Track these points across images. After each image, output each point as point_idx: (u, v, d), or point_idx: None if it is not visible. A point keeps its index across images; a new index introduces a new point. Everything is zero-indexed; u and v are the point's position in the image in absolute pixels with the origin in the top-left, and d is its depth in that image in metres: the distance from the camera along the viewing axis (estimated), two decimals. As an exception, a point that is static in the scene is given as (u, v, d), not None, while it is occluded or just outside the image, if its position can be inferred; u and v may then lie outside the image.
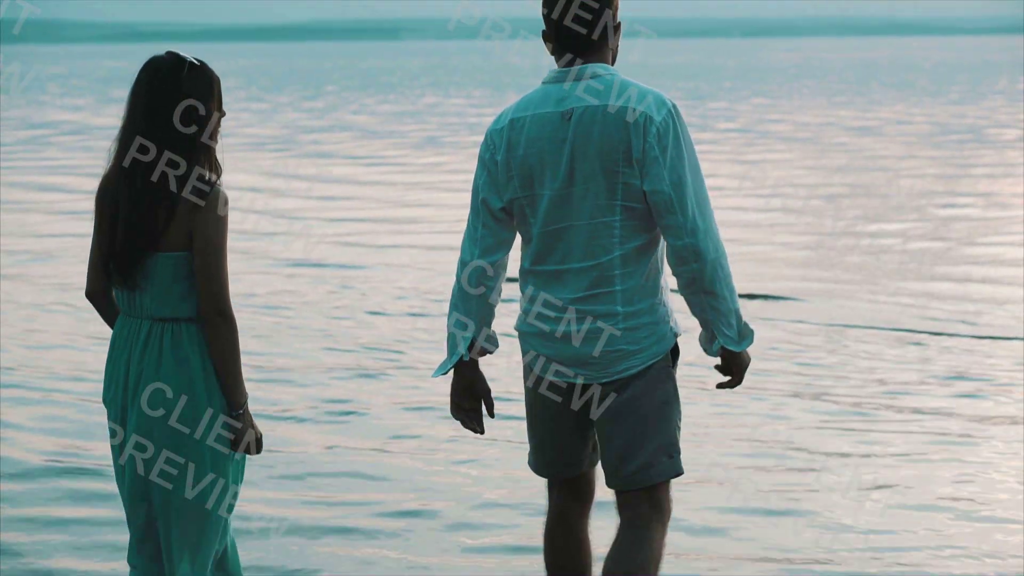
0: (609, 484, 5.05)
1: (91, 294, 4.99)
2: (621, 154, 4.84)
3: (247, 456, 4.92)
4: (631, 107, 4.85)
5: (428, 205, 22.89)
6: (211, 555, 4.93)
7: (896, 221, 20.48)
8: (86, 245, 5.13)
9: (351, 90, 71.87)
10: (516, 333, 5.09)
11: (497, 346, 5.11)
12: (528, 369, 5.10)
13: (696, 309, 4.94)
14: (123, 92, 5.89)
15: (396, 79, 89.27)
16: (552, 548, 5.23)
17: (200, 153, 4.82)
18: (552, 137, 4.89)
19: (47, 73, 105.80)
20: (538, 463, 5.21)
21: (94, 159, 30.06)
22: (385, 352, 11.58)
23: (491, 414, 5.10)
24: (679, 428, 5.04)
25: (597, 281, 4.91)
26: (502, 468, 8.21)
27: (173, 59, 4.84)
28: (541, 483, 5.40)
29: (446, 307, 5.50)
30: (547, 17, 4.99)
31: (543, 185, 4.92)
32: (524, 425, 5.23)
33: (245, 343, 4.97)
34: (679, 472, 5.02)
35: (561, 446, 5.12)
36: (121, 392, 4.86)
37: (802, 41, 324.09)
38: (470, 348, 5.06)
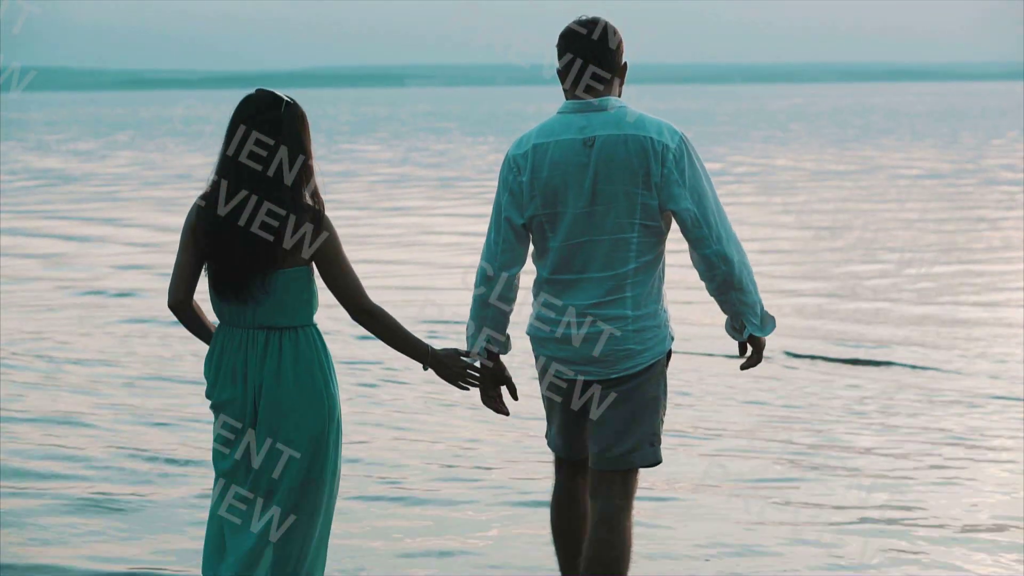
0: (594, 464, 5.63)
1: (176, 305, 5.43)
2: (641, 178, 5.45)
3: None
4: (648, 136, 5.46)
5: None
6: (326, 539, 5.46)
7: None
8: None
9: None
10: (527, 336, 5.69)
11: (510, 349, 5.72)
12: (544, 368, 5.68)
13: (726, 306, 5.57)
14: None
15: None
16: (558, 517, 5.83)
17: (302, 183, 5.30)
18: (575, 161, 5.48)
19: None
20: (553, 443, 5.81)
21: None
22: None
23: (514, 397, 5.69)
24: (663, 422, 5.65)
25: (612, 289, 5.50)
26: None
27: (270, 97, 5.32)
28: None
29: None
30: (576, 56, 5.58)
31: (566, 204, 5.51)
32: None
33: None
34: (659, 460, 5.64)
35: (569, 433, 5.74)
36: (242, 393, 5.34)
37: (801, 87, 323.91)
38: (486, 349, 5.68)
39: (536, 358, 5.69)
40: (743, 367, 5.73)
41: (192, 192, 33.50)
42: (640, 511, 6.41)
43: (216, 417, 5.40)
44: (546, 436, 5.87)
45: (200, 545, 5.78)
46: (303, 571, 5.35)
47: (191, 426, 10.03)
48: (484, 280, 5.64)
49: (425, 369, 5.51)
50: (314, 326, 5.41)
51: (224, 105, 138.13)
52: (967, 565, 7.04)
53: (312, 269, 5.36)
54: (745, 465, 9.06)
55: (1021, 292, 17.26)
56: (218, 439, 5.38)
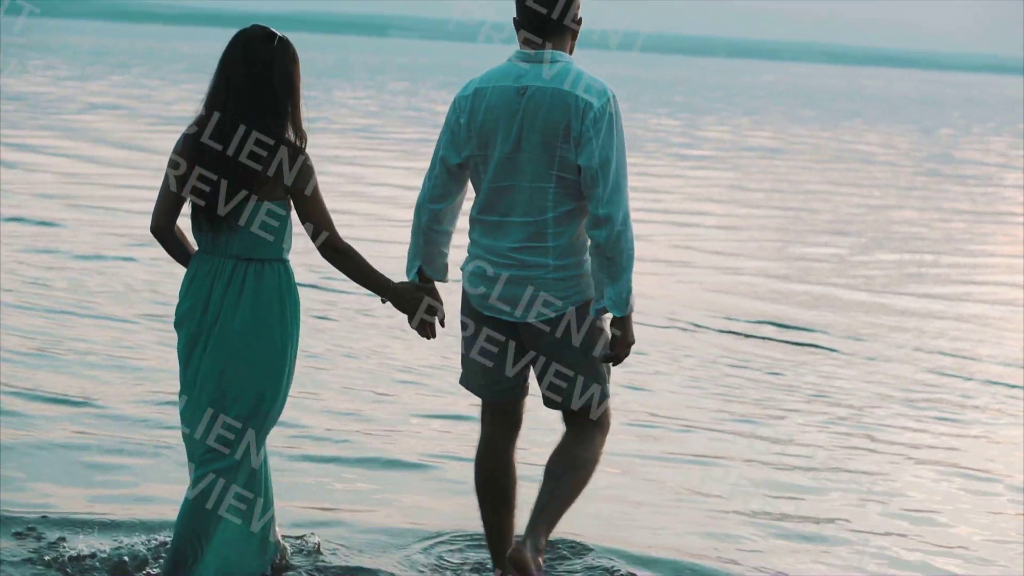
0: (556, 407, 5.92)
1: (158, 230, 5.70)
2: (561, 131, 5.67)
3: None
4: (577, 93, 5.68)
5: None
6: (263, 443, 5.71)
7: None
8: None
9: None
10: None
11: (444, 278, 5.97)
12: (467, 302, 5.91)
13: (594, 271, 5.75)
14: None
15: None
16: (483, 472, 6.00)
17: (287, 118, 5.55)
18: (507, 108, 5.72)
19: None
20: (472, 385, 5.99)
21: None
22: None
23: (442, 324, 5.89)
24: (603, 360, 5.83)
25: (533, 235, 5.74)
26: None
27: (264, 33, 5.56)
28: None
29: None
30: (518, 2, 5.83)
31: (495, 148, 5.75)
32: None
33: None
34: (608, 395, 5.89)
35: (495, 372, 5.92)
36: (199, 317, 5.60)
37: (785, 65, 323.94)
38: (419, 273, 5.94)
39: (464, 292, 5.91)
40: (604, 359, 5.82)
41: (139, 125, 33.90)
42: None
43: (178, 335, 5.67)
44: (461, 379, 6.04)
45: None
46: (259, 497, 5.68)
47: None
48: (416, 212, 5.93)
49: (383, 302, 5.79)
50: (284, 263, 5.64)
51: (202, 42, 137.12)
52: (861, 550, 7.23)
53: (289, 206, 5.57)
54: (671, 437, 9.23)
55: (972, 286, 17.39)
56: (178, 355, 5.67)
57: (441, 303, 5.90)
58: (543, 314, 5.78)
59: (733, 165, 34.52)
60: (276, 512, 5.91)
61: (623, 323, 5.75)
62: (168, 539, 5.93)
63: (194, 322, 5.62)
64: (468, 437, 8.63)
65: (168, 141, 28.35)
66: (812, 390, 11.00)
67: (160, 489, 7.34)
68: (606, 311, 5.76)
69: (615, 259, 5.67)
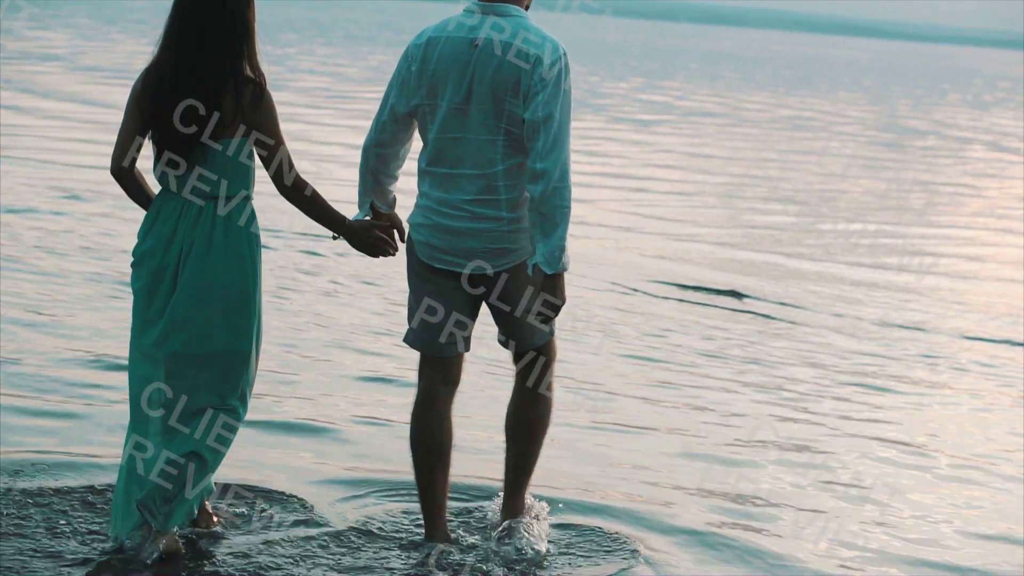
0: (512, 350, 6.02)
1: (119, 171, 5.72)
2: (511, 85, 5.69)
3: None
4: (528, 49, 5.69)
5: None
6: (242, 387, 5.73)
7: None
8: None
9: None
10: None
11: (393, 209, 6.04)
12: (415, 257, 5.91)
13: (530, 226, 5.74)
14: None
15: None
16: (419, 426, 5.99)
17: (243, 57, 5.59)
18: (459, 59, 5.74)
19: None
20: (419, 340, 5.98)
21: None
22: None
23: (402, 239, 5.96)
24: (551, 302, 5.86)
25: (485, 188, 5.77)
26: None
27: None
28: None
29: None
30: None
31: (444, 98, 5.77)
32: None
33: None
34: (552, 332, 6.02)
35: (444, 326, 5.93)
36: (162, 254, 5.63)
37: (753, 32, 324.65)
38: (371, 207, 6.02)
39: (411, 244, 5.92)
40: (537, 316, 5.83)
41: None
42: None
43: (134, 275, 5.69)
44: (406, 337, 6.04)
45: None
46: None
47: None
48: (363, 154, 5.98)
49: (335, 239, 5.89)
50: (249, 200, 5.71)
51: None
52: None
53: (251, 143, 5.64)
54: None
55: (926, 258, 17.30)
56: (137, 297, 5.70)
57: (400, 222, 6.00)
58: (499, 265, 5.82)
59: (690, 131, 34.42)
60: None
61: (553, 281, 5.74)
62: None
63: (156, 259, 5.65)
64: (392, 402, 8.44)
65: (114, 94, 28.56)
66: (746, 358, 10.87)
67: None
68: (537, 267, 5.74)
69: (548, 215, 5.67)
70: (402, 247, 5.97)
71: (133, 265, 5.73)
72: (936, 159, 32.59)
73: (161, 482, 5.59)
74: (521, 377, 6.11)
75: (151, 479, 5.60)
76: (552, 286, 5.74)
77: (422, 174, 5.90)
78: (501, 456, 6.30)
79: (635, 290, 13.48)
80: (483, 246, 5.80)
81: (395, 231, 5.94)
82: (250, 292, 5.71)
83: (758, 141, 33.12)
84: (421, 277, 5.94)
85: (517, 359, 6.10)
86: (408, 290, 6.02)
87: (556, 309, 5.78)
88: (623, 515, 6.83)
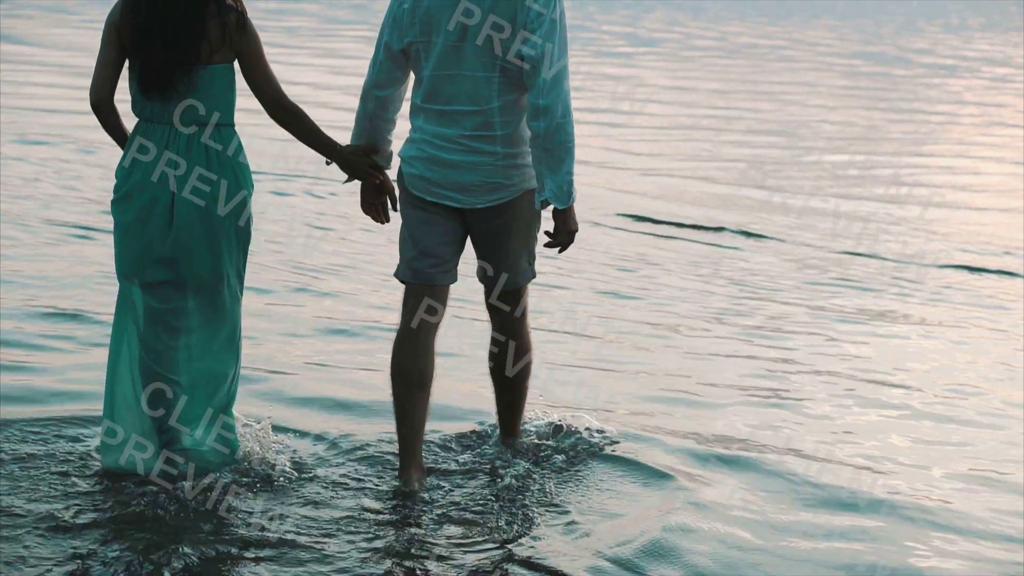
0: (489, 289, 6.11)
1: (100, 102, 5.65)
2: (507, 20, 5.70)
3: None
4: None
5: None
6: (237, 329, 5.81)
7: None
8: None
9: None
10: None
11: (388, 164, 6.04)
12: (407, 190, 5.95)
13: (535, 163, 5.79)
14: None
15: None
16: (401, 353, 5.98)
17: None
18: None
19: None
20: (410, 270, 5.99)
21: None
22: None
23: (395, 208, 6.03)
24: (536, 241, 6.07)
25: (481, 125, 5.80)
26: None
27: None
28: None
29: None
30: None
31: (439, 34, 5.78)
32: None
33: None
34: (535, 275, 6.15)
35: (432, 255, 5.96)
36: (152, 187, 5.62)
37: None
38: (373, 147, 5.98)
39: (403, 178, 5.95)
40: (546, 245, 5.94)
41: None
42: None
43: (120, 209, 5.67)
44: (398, 271, 6.04)
45: None
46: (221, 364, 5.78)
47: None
48: (362, 99, 6.00)
49: (328, 164, 5.92)
50: (233, 127, 5.73)
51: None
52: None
53: (234, 68, 5.67)
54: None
55: (909, 188, 17.06)
56: (124, 233, 5.68)
57: (393, 189, 6.01)
58: (492, 199, 5.88)
59: (676, 64, 34.09)
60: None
61: (565, 213, 5.85)
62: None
63: (146, 193, 5.64)
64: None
65: (61, 37, 28.28)
66: (707, 289, 10.69)
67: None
68: (548, 203, 5.83)
69: (554, 151, 5.74)
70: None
71: (117, 200, 5.70)
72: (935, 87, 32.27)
73: (162, 482, 5.67)
74: (498, 318, 6.22)
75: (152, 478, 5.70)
76: (565, 217, 5.85)
77: (416, 110, 5.93)
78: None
79: (597, 223, 13.32)
80: (477, 179, 5.84)
81: (388, 198, 6.01)
82: (241, 214, 5.74)
83: (755, 72, 32.81)
84: (415, 207, 5.96)
85: (491, 294, 6.16)
86: (400, 224, 6.04)
87: (570, 236, 5.89)
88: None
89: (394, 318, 6.33)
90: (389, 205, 6.03)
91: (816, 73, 34.18)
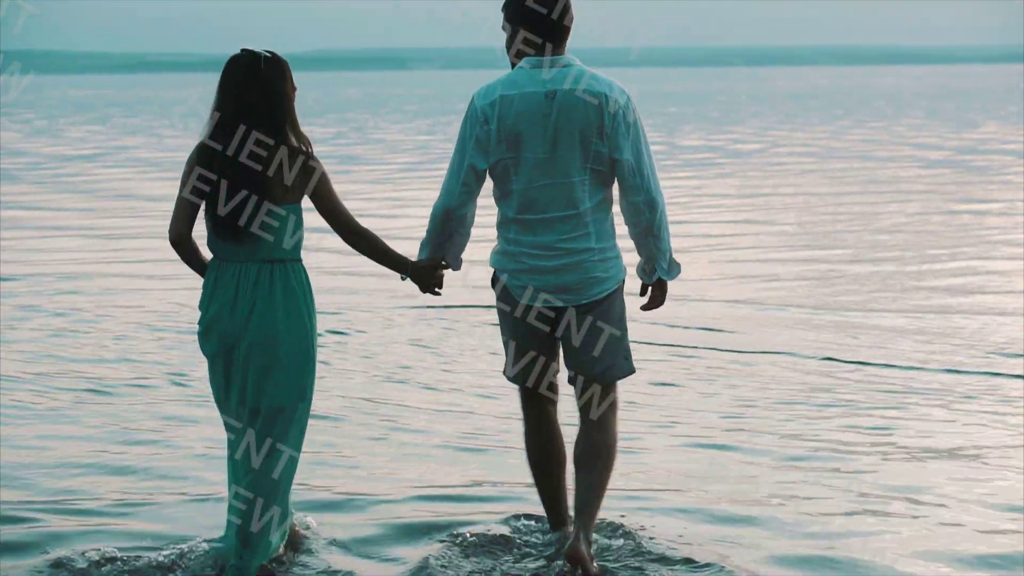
0: (583, 383, 6.51)
1: (178, 240, 6.13)
2: (595, 129, 6.30)
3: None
4: (602, 92, 6.30)
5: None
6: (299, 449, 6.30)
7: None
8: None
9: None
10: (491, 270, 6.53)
11: (459, 267, 6.59)
12: (514, 300, 6.47)
13: (643, 249, 6.51)
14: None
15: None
16: (538, 445, 6.67)
17: (287, 126, 6.11)
18: (538, 111, 6.29)
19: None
20: (525, 376, 6.59)
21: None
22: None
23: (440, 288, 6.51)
24: (628, 337, 6.59)
25: (577, 226, 6.36)
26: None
27: (250, 54, 6.13)
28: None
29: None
30: (547, 18, 6.35)
31: (529, 150, 6.32)
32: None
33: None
34: (633, 370, 6.62)
35: (546, 360, 6.56)
36: (228, 319, 6.10)
37: (801, 70, 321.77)
38: (443, 258, 6.52)
39: (507, 291, 6.45)
40: (644, 308, 6.63)
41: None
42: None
43: (203, 342, 6.17)
44: (509, 374, 6.62)
45: None
46: (278, 488, 6.16)
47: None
48: (441, 220, 6.41)
49: (403, 279, 6.38)
50: (300, 261, 6.19)
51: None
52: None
53: (302, 208, 6.13)
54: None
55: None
56: (213, 366, 6.19)
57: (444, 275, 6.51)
58: (593, 294, 6.40)
59: (754, 174, 34.08)
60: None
61: (663, 284, 6.61)
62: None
63: (222, 324, 6.10)
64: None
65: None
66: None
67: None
68: (661, 280, 6.56)
69: (661, 235, 6.45)
70: (485, 294, 6.52)
71: (201, 334, 6.18)
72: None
73: (233, 518, 6.19)
74: (586, 411, 6.56)
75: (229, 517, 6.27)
76: (664, 288, 6.60)
77: (508, 222, 6.42)
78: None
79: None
80: (579, 277, 6.36)
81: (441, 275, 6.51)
82: (309, 350, 6.15)
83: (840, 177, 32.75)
84: (513, 317, 6.49)
85: (587, 402, 6.55)
86: (503, 334, 6.58)
87: (665, 299, 6.64)
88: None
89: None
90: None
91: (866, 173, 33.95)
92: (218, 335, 6.12)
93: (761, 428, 9.48)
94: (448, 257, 6.49)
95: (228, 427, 6.26)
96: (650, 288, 6.62)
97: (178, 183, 6.17)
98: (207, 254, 6.22)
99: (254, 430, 6.13)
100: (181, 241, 6.13)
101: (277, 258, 6.12)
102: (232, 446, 6.25)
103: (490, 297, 6.76)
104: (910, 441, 9.12)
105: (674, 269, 6.57)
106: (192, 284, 12.92)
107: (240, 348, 6.10)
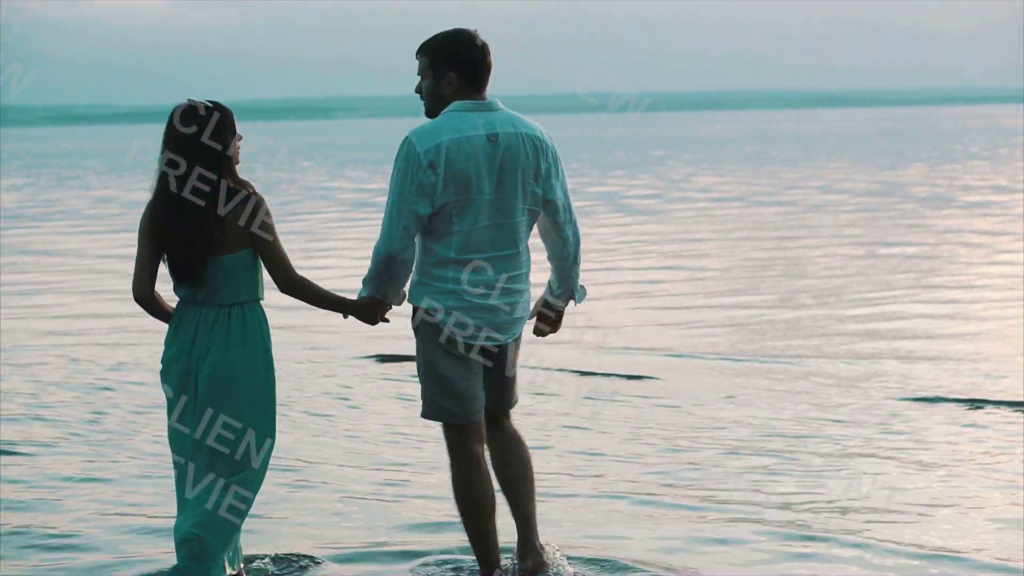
0: (503, 410, 6.79)
1: (141, 298, 6.40)
2: (533, 170, 6.54)
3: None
4: (536, 134, 6.54)
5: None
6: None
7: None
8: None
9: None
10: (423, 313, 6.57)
11: (402, 301, 6.67)
12: (448, 338, 6.54)
13: (565, 278, 6.81)
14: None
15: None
16: (475, 483, 6.62)
17: (226, 173, 6.29)
18: (484, 155, 6.42)
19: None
20: (460, 412, 6.62)
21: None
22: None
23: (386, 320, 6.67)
24: None
25: (517, 265, 6.60)
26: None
27: (190, 103, 6.31)
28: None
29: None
30: (479, 62, 6.53)
31: (476, 192, 6.44)
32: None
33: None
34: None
35: (478, 396, 6.66)
36: (185, 361, 6.33)
37: (738, 114, 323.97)
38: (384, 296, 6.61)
39: (441, 330, 6.50)
40: (540, 333, 6.92)
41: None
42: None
43: (164, 380, 6.40)
44: (441, 415, 6.62)
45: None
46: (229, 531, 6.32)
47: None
48: (383, 263, 6.46)
49: (345, 317, 6.63)
50: (258, 302, 6.41)
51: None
52: None
53: (255, 252, 6.32)
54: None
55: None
56: (169, 403, 6.40)
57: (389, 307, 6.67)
58: (517, 331, 6.67)
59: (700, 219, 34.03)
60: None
61: (564, 309, 6.95)
62: None
63: (180, 364, 6.35)
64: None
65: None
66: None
67: None
68: (573, 303, 6.88)
69: (578, 263, 6.80)
70: (403, 326, 6.58)
71: (162, 372, 6.41)
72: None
73: (182, 558, 6.28)
74: (505, 432, 6.80)
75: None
76: (563, 312, 6.95)
77: (447, 262, 6.49)
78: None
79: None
80: (513, 316, 6.59)
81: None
82: (264, 387, 6.36)
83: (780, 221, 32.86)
84: (452, 355, 6.56)
85: (504, 426, 6.80)
86: (427, 371, 6.60)
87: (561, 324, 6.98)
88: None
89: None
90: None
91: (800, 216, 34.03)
92: (177, 375, 6.35)
93: (681, 481, 9.34)
94: (389, 295, 6.59)
95: (176, 464, 6.40)
96: (555, 313, 6.91)
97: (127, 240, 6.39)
98: (173, 300, 6.47)
99: (205, 464, 6.30)
100: (145, 299, 6.40)
101: (235, 301, 6.35)
102: (180, 481, 6.40)
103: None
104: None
105: (582, 293, 6.88)
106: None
107: (199, 387, 6.30)
